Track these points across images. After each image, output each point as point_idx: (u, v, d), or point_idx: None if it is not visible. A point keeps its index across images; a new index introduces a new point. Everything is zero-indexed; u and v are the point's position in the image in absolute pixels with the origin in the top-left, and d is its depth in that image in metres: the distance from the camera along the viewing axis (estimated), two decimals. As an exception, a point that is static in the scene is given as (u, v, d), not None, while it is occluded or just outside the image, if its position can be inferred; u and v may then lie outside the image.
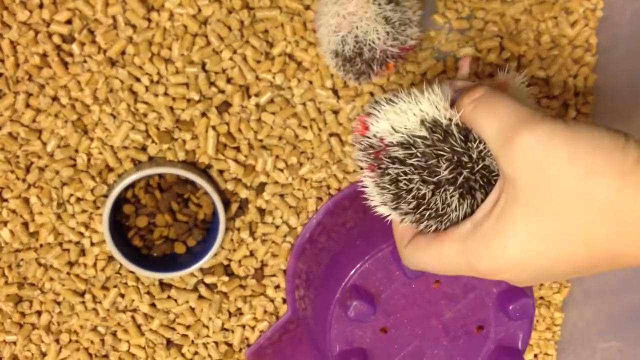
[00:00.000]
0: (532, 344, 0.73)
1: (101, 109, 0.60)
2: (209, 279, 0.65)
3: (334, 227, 0.63)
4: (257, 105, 0.61)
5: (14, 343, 0.64)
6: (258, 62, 0.61)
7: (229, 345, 0.67)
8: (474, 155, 0.42)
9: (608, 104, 0.66)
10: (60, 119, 0.60)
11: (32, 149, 0.60)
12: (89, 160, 0.61)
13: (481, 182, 0.42)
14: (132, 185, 0.62)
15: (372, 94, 0.63)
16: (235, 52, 0.60)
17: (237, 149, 0.62)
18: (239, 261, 0.65)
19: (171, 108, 0.61)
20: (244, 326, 0.67)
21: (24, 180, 0.60)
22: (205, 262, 0.61)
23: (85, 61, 0.59)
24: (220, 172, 0.63)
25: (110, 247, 0.59)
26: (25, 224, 0.62)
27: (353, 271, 0.55)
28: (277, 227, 0.65)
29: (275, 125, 0.62)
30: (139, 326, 0.65)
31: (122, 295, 0.64)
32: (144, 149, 0.61)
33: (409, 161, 0.42)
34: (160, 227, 0.62)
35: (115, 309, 0.65)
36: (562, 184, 0.36)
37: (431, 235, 0.43)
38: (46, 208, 0.61)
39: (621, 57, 0.65)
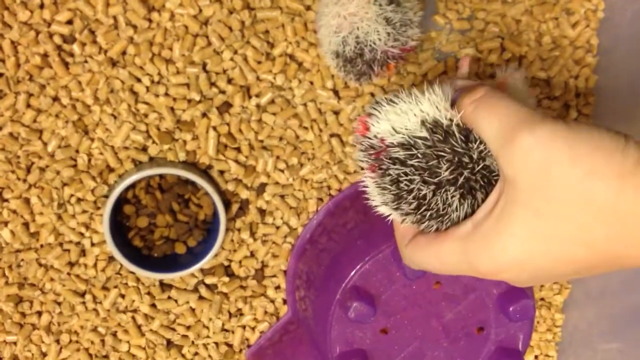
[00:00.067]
0: (533, 345, 0.73)
1: (102, 109, 0.60)
2: (209, 280, 0.65)
3: (334, 228, 0.63)
4: (257, 105, 0.61)
5: (15, 343, 0.64)
6: (259, 62, 0.61)
7: (229, 346, 0.67)
8: (475, 156, 0.42)
9: (609, 104, 0.66)
10: (61, 119, 0.60)
11: (32, 149, 0.60)
12: (89, 160, 0.61)
13: (482, 182, 0.42)
14: (132, 186, 0.62)
15: (372, 94, 0.62)
16: (236, 52, 0.60)
17: (238, 149, 0.62)
18: (240, 262, 0.65)
19: (172, 108, 0.61)
20: (244, 327, 0.67)
21: (24, 181, 0.60)
22: (205, 262, 0.61)
23: (86, 61, 0.59)
24: (221, 172, 0.63)
25: (111, 248, 0.59)
26: (26, 224, 0.62)
27: (353, 272, 0.55)
28: (277, 227, 0.65)
29: (276, 125, 0.62)
30: (139, 327, 0.65)
31: (123, 296, 0.64)
32: (144, 149, 0.61)
33: (409, 162, 0.43)
34: (161, 227, 0.62)
35: (116, 310, 0.65)
36: (562, 185, 0.36)
37: (432, 235, 0.43)
38: (47, 208, 0.61)
39: (622, 58, 0.65)
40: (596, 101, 0.66)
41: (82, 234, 0.62)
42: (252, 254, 0.65)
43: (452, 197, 0.42)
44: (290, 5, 0.60)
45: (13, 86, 0.58)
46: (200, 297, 0.65)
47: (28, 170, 0.60)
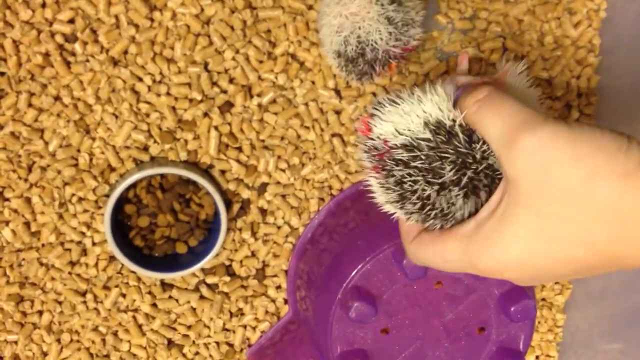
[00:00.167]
0: (534, 346, 0.73)
1: (103, 108, 0.60)
2: (210, 279, 0.65)
3: (335, 228, 0.63)
4: (259, 105, 0.61)
5: (15, 342, 0.64)
6: (260, 62, 0.61)
7: (230, 345, 0.67)
8: (478, 156, 0.42)
9: (611, 105, 0.66)
10: (62, 119, 0.60)
11: (34, 148, 0.60)
12: (91, 160, 0.61)
13: (485, 182, 0.42)
14: (133, 185, 0.62)
15: (374, 94, 0.62)
16: (237, 52, 0.60)
17: (239, 149, 0.62)
18: (241, 261, 0.65)
19: (173, 108, 0.60)
20: (245, 326, 0.67)
21: (25, 180, 0.60)
22: (206, 262, 0.61)
23: (87, 60, 0.59)
24: (222, 172, 0.63)
25: (112, 247, 0.59)
26: (27, 224, 0.62)
27: (354, 272, 0.55)
28: (278, 227, 0.65)
29: (278, 125, 0.62)
30: (140, 326, 0.65)
31: (124, 295, 0.64)
32: (146, 148, 0.61)
33: (413, 164, 0.43)
34: (162, 227, 0.62)
35: (117, 309, 0.65)
36: (564, 186, 0.36)
37: (436, 233, 0.44)
38: (48, 208, 0.61)
39: (624, 57, 0.65)
40: (598, 101, 0.66)
41: (83, 234, 0.62)
42: (253, 254, 0.65)
43: (455, 197, 0.42)
44: (292, 4, 0.60)
45: (15, 85, 0.58)
46: (201, 297, 0.65)
47: (29, 169, 0.60)
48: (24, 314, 0.64)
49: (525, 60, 0.62)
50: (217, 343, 0.67)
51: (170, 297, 0.65)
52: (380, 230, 0.57)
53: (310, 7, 0.60)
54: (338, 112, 0.63)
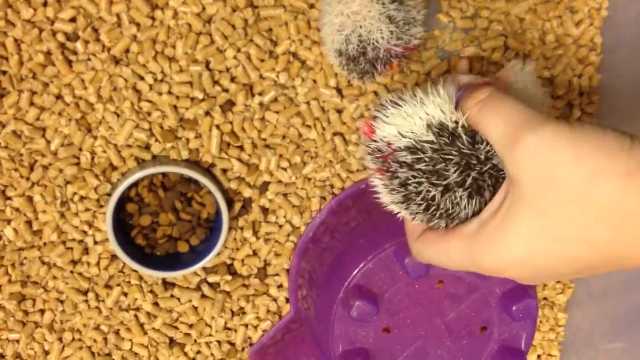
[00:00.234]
0: (536, 345, 0.73)
1: (105, 107, 0.60)
2: (212, 278, 0.65)
3: (337, 227, 0.63)
4: (261, 104, 0.61)
5: (17, 341, 0.64)
6: (262, 61, 0.61)
7: (232, 344, 0.67)
8: (482, 157, 0.42)
9: (613, 103, 0.66)
10: (64, 118, 0.60)
11: (36, 147, 0.60)
12: (93, 158, 0.61)
13: (490, 182, 0.42)
14: (135, 184, 0.62)
15: (376, 93, 0.62)
16: (239, 50, 0.60)
17: (241, 148, 0.62)
18: (243, 260, 0.65)
19: (175, 107, 0.61)
20: (247, 325, 0.67)
21: (28, 179, 0.60)
22: (208, 261, 0.61)
23: (89, 59, 0.59)
24: (224, 171, 0.63)
25: (114, 246, 0.59)
26: (29, 223, 0.62)
27: (356, 271, 0.55)
28: (280, 226, 0.65)
29: (279, 124, 0.62)
30: (142, 325, 0.65)
31: (126, 294, 0.64)
32: (147, 147, 0.61)
33: (417, 166, 0.43)
34: (164, 226, 0.63)
35: (119, 308, 0.65)
36: (566, 186, 0.36)
37: (440, 232, 0.44)
38: (50, 206, 0.61)
39: (626, 56, 0.65)
40: (600, 100, 0.66)
41: (85, 233, 0.62)
42: (255, 253, 0.65)
43: (460, 198, 0.43)
44: (293, 3, 0.60)
45: (16, 84, 0.59)
46: (203, 296, 0.65)
47: (31, 168, 0.60)
48: (26, 313, 0.64)
49: (533, 59, 0.62)
50: (219, 342, 0.67)
51: (172, 296, 0.65)
52: (382, 229, 0.57)
53: (311, 6, 0.60)
54: (340, 111, 0.63)
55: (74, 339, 0.65)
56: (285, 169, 0.63)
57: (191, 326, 0.66)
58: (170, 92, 0.60)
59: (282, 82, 0.61)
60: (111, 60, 0.59)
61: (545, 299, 0.71)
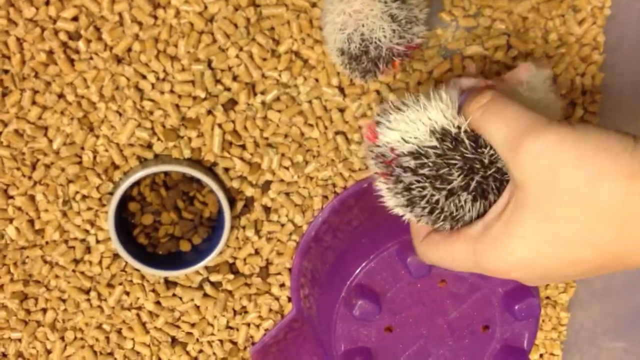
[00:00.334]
0: (538, 344, 0.73)
1: (107, 106, 0.60)
2: (214, 277, 0.65)
3: (339, 226, 0.63)
4: (263, 103, 0.61)
5: (19, 340, 0.64)
6: (264, 59, 0.61)
7: (234, 343, 0.67)
8: (486, 161, 0.42)
9: (616, 102, 0.66)
10: (66, 116, 0.60)
11: (38, 146, 0.60)
12: (94, 157, 0.61)
13: (494, 185, 0.43)
14: (137, 183, 0.62)
15: (378, 92, 0.62)
16: (241, 49, 0.60)
17: (243, 146, 0.62)
18: (244, 259, 0.65)
19: (177, 106, 0.60)
20: (248, 324, 0.67)
21: (29, 178, 0.60)
22: (210, 260, 0.61)
23: (91, 58, 0.59)
24: (226, 170, 0.63)
25: (116, 245, 0.59)
26: (31, 221, 0.62)
27: (358, 270, 0.55)
28: (282, 225, 0.65)
29: (281, 123, 0.62)
30: (144, 324, 0.65)
31: (127, 293, 0.64)
32: (149, 146, 0.61)
33: (420, 171, 0.43)
34: (166, 225, 0.62)
35: (121, 307, 0.65)
36: (569, 188, 0.36)
37: (445, 233, 0.44)
38: (52, 205, 0.61)
39: (629, 55, 0.65)
40: (602, 99, 0.66)
41: (87, 231, 0.62)
42: (257, 252, 0.65)
43: (464, 201, 0.43)
44: (295, 2, 0.59)
45: (18, 83, 0.59)
46: (205, 295, 0.65)
47: (33, 167, 0.60)
48: (28, 311, 0.64)
49: (548, 65, 0.61)
50: (221, 341, 0.67)
51: (174, 294, 0.65)
52: (384, 228, 0.57)
53: (313, 5, 0.60)
54: (342, 110, 0.63)
55: (75, 338, 0.65)
56: (287, 168, 0.63)
57: (193, 325, 0.66)
58: (172, 91, 0.60)
59: (284, 80, 0.61)
60: (113, 59, 0.59)
61: (547, 297, 0.71)
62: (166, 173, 0.62)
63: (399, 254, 0.55)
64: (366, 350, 0.57)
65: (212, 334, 0.67)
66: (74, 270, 0.63)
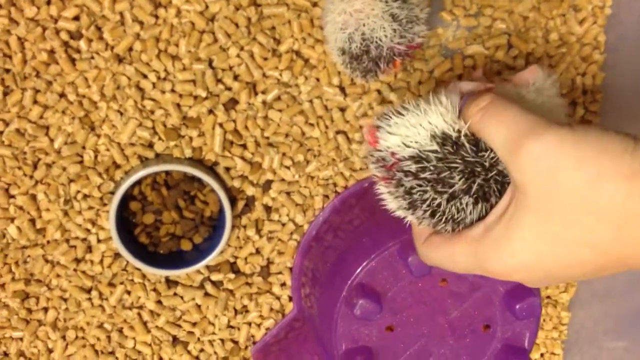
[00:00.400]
0: (539, 343, 0.73)
1: (108, 105, 0.60)
2: (215, 276, 0.65)
3: (340, 225, 0.63)
4: (264, 102, 0.61)
5: (21, 339, 0.64)
6: (265, 59, 0.61)
7: (235, 342, 0.67)
8: (487, 164, 0.42)
9: (616, 102, 0.66)
10: (67, 116, 0.60)
11: (39, 145, 0.60)
12: (96, 157, 0.61)
13: (495, 188, 0.43)
14: (138, 182, 0.62)
15: (379, 91, 0.62)
16: (242, 49, 0.60)
17: (244, 146, 0.62)
18: (245, 258, 0.65)
19: (178, 105, 0.61)
20: (250, 324, 0.67)
21: (31, 177, 0.61)
22: (211, 259, 0.61)
23: (92, 58, 0.59)
24: (227, 169, 0.63)
25: (117, 244, 0.59)
26: (32, 221, 0.62)
27: (359, 269, 0.55)
28: (283, 224, 0.65)
29: (282, 122, 0.62)
30: (145, 323, 0.66)
31: (129, 292, 0.64)
32: (150, 145, 0.61)
33: (421, 175, 0.43)
34: (167, 224, 0.63)
35: (122, 306, 0.65)
36: (569, 190, 0.36)
37: (446, 235, 0.45)
38: (53, 204, 0.61)
39: (630, 55, 0.65)
40: (603, 98, 0.66)
41: (88, 231, 0.62)
42: (258, 251, 0.65)
43: (466, 204, 0.43)
44: (296, 1, 0.59)
45: (20, 82, 0.59)
46: (206, 294, 0.65)
47: (35, 166, 0.61)
48: (29, 310, 0.64)
49: (555, 71, 0.61)
50: (222, 340, 0.67)
51: (175, 294, 0.65)
52: (385, 227, 0.57)
53: (314, 4, 0.60)
54: (343, 110, 0.63)
55: (77, 337, 0.65)
56: (288, 167, 0.63)
57: (194, 324, 0.66)
58: (173, 90, 0.60)
59: (285, 80, 0.61)
60: (114, 58, 0.59)
61: (548, 297, 0.71)
62: (167, 172, 0.62)
63: (400, 253, 0.55)
64: (367, 349, 0.57)
65: (213, 333, 0.67)
66: (75, 270, 0.63)
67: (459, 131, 0.43)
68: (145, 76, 0.60)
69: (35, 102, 0.59)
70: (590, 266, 0.38)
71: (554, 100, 0.53)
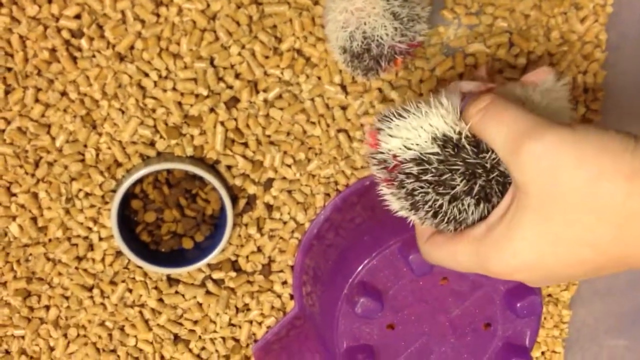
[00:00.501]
0: (540, 342, 0.73)
1: (110, 104, 0.60)
2: (216, 275, 0.65)
3: (341, 224, 0.63)
4: (265, 100, 0.61)
5: (22, 337, 0.65)
6: (266, 57, 0.61)
7: (236, 340, 0.68)
8: (488, 165, 0.42)
9: (617, 100, 0.66)
10: (69, 114, 0.60)
11: (41, 143, 0.60)
12: (97, 155, 0.61)
13: (497, 189, 0.43)
14: (140, 181, 0.62)
15: (380, 90, 0.62)
16: (243, 47, 0.60)
17: (245, 144, 0.62)
18: (247, 257, 0.65)
19: (179, 103, 0.61)
20: (251, 322, 0.67)
21: (32, 175, 0.61)
22: (212, 257, 0.61)
23: (94, 56, 0.59)
24: (228, 167, 0.63)
25: (119, 242, 0.60)
26: (34, 219, 0.62)
27: (360, 267, 0.55)
28: (284, 223, 0.65)
29: (284, 120, 0.62)
30: (146, 321, 0.66)
31: (130, 290, 0.65)
32: (152, 144, 0.61)
33: (423, 177, 0.43)
34: (168, 222, 0.63)
35: (123, 304, 0.65)
36: (570, 189, 0.36)
37: (449, 234, 0.45)
38: (55, 203, 0.61)
39: (631, 53, 0.65)
40: (604, 96, 0.66)
41: (90, 229, 0.62)
42: (259, 249, 0.65)
43: (468, 205, 0.43)
44: (297, 0, 0.59)
45: (21, 81, 0.59)
46: (208, 292, 0.65)
47: (36, 164, 0.61)
48: (31, 309, 0.64)
49: (566, 76, 0.61)
50: (223, 338, 0.67)
51: (176, 292, 0.65)
52: (387, 225, 0.57)
53: (316, 3, 0.60)
54: (344, 108, 0.63)
55: (78, 335, 0.65)
56: (289, 166, 0.63)
57: (195, 322, 0.66)
58: (174, 89, 0.60)
59: (287, 78, 0.61)
60: (116, 56, 0.59)
61: (549, 295, 0.71)
62: (169, 171, 0.62)
63: (401, 251, 0.55)
64: (368, 347, 0.57)
65: (215, 332, 0.67)
66: (76, 268, 0.63)
67: (459, 133, 0.43)
68: (146, 75, 0.60)
69: (36, 100, 0.59)
70: (590, 265, 0.38)
71: (560, 103, 0.53)
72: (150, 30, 0.59)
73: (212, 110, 0.61)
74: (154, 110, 0.60)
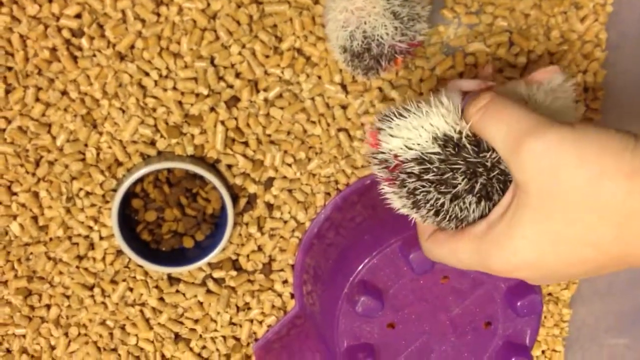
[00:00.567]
0: (540, 340, 0.73)
1: (110, 103, 0.60)
2: (217, 274, 0.65)
3: (342, 223, 0.63)
4: (265, 100, 0.61)
5: (23, 336, 0.65)
6: (267, 56, 0.61)
7: (237, 339, 0.68)
8: (489, 164, 0.42)
9: (617, 99, 0.66)
10: (69, 113, 0.60)
11: (41, 142, 0.60)
12: (98, 154, 0.61)
13: (498, 187, 0.43)
14: (141, 180, 0.62)
15: (380, 89, 0.62)
16: (244, 46, 0.60)
17: (246, 143, 0.62)
18: (247, 256, 0.65)
19: (180, 102, 0.61)
20: (251, 321, 0.67)
21: (33, 174, 0.61)
22: (213, 256, 0.62)
23: (94, 55, 0.59)
24: (229, 166, 0.63)
25: (119, 241, 0.60)
26: (35, 218, 0.62)
27: (361, 266, 0.55)
28: (285, 222, 0.65)
29: (284, 120, 0.62)
30: (147, 320, 0.66)
31: (131, 289, 0.65)
32: (152, 143, 0.61)
33: (424, 176, 0.43)
34: (169, 221, 0.63)
35: (124, 303, 0.65)
36: (571, 188, 0.36)
37: (450, 232, 0.45)
38: (55, 202, 0.61)
39: (631, 52, 0.65)
40: (604, 96, 0.66)
41: (90, 228, 0.63)
42: (260, 248, 0.65)
43: (469, 203, 0.43)
44: (298, -1, 0.60)
45: (22, 80, 0.59)
46: (208, 291, 0.65)
47: (37, 163, 0.61)
48: (32, 307, 0.64)
49: (572, 76, 0.61)
50: (224, 337, 0.67)
51: (177, 291, 0.65)
52: (387, 224, 0.57)
53: (316, 2, 0.60)
54: (344, 107, 0.63)
55: (79, 334, 0.65)
56: (289, 165, 0.63)
57: (196, 321, 0.66)
58: (175, 88, 0.60)
59: (287, 77, 0.61)
60: (116, 56, 0.59)
61: (549, 294, 0.72)
62: (169, 170, 0.62)
63: (402, 250, 0.55)
64: (369, 346, 0.57)
65: (215, 330, 0.67)
66: (77, 267, 0.63)
67: (460, 132, 0.43)
68: (147, 74, 0.60)
69: (37, 99, 0.59)
70: (591, 264, 0.38)
71: (564, 103, 0.53)
72: (150, 29, 0.59)
73: (212, 109, 0.61)
74: (154, 110, 0.61)
